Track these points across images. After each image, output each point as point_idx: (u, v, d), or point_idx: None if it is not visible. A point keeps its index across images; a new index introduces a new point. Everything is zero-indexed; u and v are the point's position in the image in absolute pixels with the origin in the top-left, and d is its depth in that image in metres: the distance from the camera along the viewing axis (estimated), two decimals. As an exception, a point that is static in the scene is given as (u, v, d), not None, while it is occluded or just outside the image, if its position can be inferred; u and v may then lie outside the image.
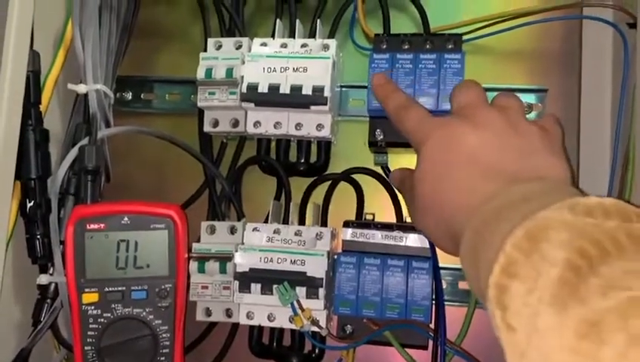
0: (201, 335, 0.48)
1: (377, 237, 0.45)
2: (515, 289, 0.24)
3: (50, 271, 0.44)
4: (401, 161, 0.48)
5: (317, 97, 0.43)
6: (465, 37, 0.46)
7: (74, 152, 0.44)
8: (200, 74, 0.45)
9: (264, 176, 0.50)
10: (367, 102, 0.45)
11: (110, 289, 0.42)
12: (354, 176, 0.49)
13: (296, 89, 0.44)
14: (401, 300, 0.44)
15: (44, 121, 0.46)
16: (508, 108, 0.34)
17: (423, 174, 0.34)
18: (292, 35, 0.48)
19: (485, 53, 0.50)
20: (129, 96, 0.54)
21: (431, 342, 0.43)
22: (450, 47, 0.44)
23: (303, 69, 0.44)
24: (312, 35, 0.48)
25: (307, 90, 0.43)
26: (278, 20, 0.48)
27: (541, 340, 0.22)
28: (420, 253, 0.45)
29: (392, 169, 0.49)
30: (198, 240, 0.46)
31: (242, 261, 0.44)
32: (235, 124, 0.47)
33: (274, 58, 0.45)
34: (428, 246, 0.44)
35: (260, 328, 0.47)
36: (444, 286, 0.46)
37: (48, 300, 0.44)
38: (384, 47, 0.45)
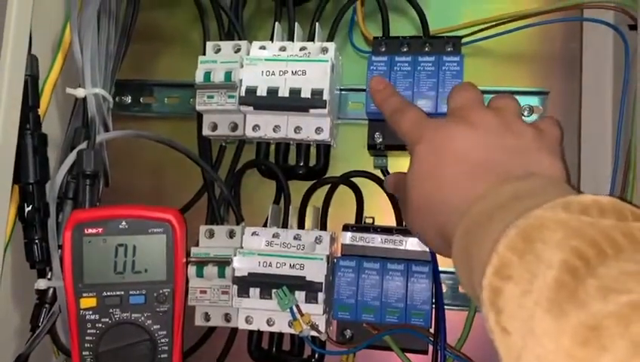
0: (200, 340, 0.48)
1: (377, 240, 0.45)
2: (509, 291, 0.24)
3: (49, 276, 0.44)
4: (401, 163, 0.48)
5: (316, 100, 0.43)
6: (465, 39, 0.46)
7: (72, 156, 0.44)
8: (198, 77, 0.45)
9: (263, 180, 0.50)
10: (366, 105, 0.45)
11: (108, 293, 0.42)
12: (353, 179, 0.49)
13: (295, 92, 0.43)
14: (400, 304, 0.43)
15: (43, 125, 0.46)
16: (503, 109, 0.34)
17: (415, 175, 0.34)
18: (291, 38, 0.48)
19: (486, 56, 0.50)
20: (128, 99, 0.54)
21: (431, 347, 0.43)
22: (449, 49, 0.44)
23: (301, 72, 0.44)
24: (311, 38, 0.48)
25: (306, 94, 0.43)
26: (276, 23, 0.48)
27: (537, 344, 0.22)
28: (420, 256, 0.44)
29: (391, 172, 0.49)
30: (197, 245, 0.46)
31: (241, 265, 0.44)
32: (234, 127, 0.47)
33: (273, 61, 0.45)
34: (428, 250, 0.44)
35: (260, 333, 0.47)
36: (445, 290, 0.46)
37: (46, 305, 0.44)
38: (383, 49, 0.45)
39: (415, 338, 0.43)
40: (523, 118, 0.36)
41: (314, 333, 0.43)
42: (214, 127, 0.47)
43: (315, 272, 0.43)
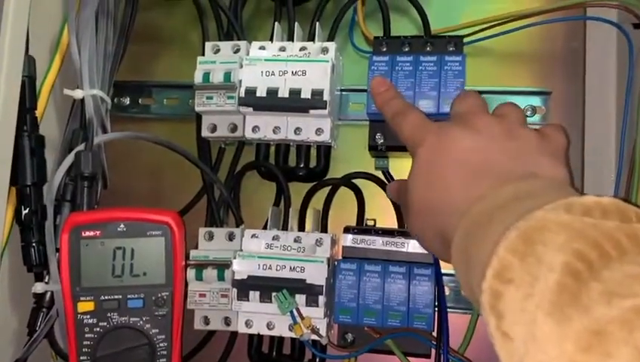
0: (199, 345, 0.48)
1: (378, 243, 0.45)
2: (510, 295, 0.23)
3: (46, 280, 0.44)
4: (402, 164, 0.47)
5: (316, 101, 0.43)
6: (467, 39, 0.45)
7: (70, 158, 0.44)
8: (197, 78, 0.45)
9: (263, 182, 0.50)
10: (367, 106, 0.44)
11: (106, 297, 0.41)
12: (354, 180, 0.49)
13: (295, 93, 0.43)
14: (402, 308, 0.43)
15: (41, 127, 0.46)
16: (507, 115, 0.34)
17: (417, 177, 0.34)
18: (291, 38, 0.47)
19: (488, 56, 0.49)
20: (127, 101, 0.53)
21: (434, 351, 0.43)
22: (450, 49, 0.44)
23: (301, 72, 0.44)
24: (311, 38, 0.47)
25: (306, 94, 0.43)
26: (276, 23, 0.47)
27: (539, 351, 0.21)
28: (422, 259, 0.44)
29: (392, 173, 0.48)
30: (196, 247, 0.46)
31: (240, 268, 0.43)
32: (234, 128, 0.46)
33: (272, 62, 0.44)
34: (430, 252, 0.44)
35: (260, 336, 0.47)
36: (447, 292, 0.46)
37: (44, 309, 0.44)
38: (384, 49, 0.45)
39: (417, 342, 0.43)
40: (527, 119, 0.35)
41: (315, 337, 0.43)
42: (213, 129, 0.47)
43: (316, 275, 0.42)
